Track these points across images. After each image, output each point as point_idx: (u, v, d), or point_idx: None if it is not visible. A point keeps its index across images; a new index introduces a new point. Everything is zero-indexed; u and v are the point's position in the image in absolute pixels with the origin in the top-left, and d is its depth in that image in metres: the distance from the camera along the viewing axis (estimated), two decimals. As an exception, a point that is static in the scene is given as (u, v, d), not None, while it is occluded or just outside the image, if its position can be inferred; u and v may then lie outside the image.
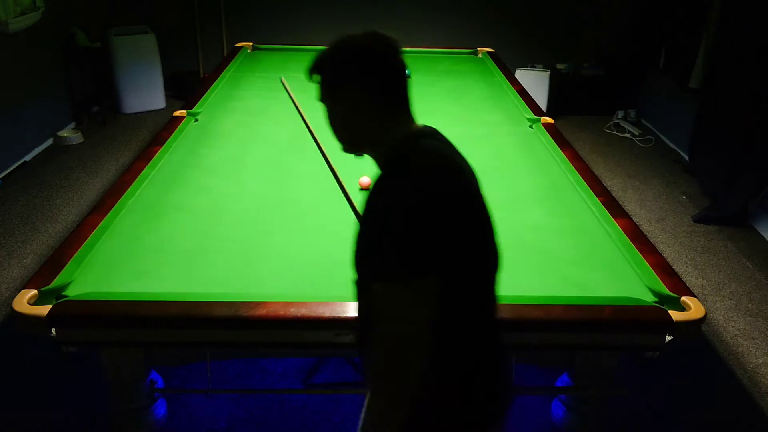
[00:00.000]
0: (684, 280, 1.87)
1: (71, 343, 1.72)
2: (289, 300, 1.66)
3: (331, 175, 2.34)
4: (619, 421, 2.36)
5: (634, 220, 2.29)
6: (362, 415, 1.23)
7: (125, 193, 2.27)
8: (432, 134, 1.26)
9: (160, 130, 2.94)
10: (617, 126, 5.71)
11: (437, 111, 3.38)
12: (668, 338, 1.69)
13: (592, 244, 2.10)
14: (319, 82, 1.22)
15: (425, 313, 1.05)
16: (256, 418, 2.39)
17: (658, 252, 2.00)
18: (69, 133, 5.04)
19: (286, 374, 2.59)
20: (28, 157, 4.66)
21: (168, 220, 2.17)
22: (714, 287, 3.38)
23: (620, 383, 1.99)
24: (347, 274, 1.88)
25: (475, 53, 4.56)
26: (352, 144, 1.25)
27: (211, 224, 2.16)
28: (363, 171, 2.49)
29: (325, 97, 1.22)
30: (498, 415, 1.28)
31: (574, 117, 5.87)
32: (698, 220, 4.07)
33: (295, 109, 2.99)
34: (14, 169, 4.46)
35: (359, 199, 2.35)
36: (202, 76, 5.86)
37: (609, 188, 3.26)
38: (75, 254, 1.88)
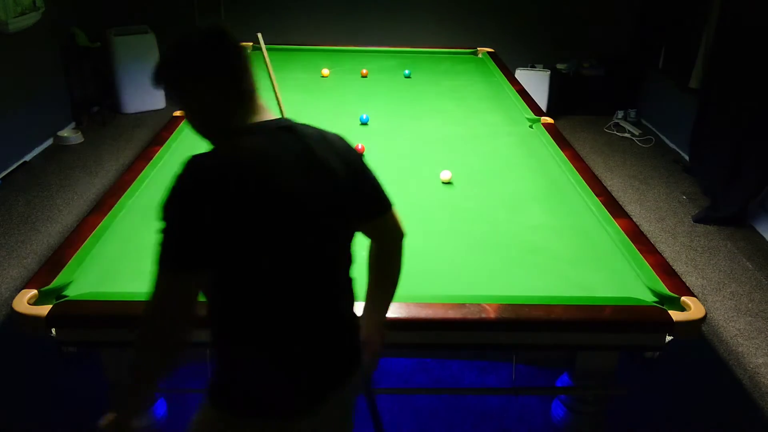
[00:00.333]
0: (684, 280, 1.87)
1: (71, 343, 1.72)
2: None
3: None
4: (619, 421, 2.36)
5: (634, 220, 2.30)
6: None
7: (125, 193, 2.27)
8: (268, 128, 1.23)
9: (160, 130, 2.94)
10: (617, 126, 5.71)
11: (437, 111, 3.38)
12: (668, 338, 1.70)
13: (592, 244, 2.10)
14: (163, 88, 1.24)
15: (173, 303, 1.16)
16: (256, 418, 2.38)
17: (658, 252, 2.00)
18: (69, 133, 5.04)
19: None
20: (28, 157, 4.67)
21: (168, 220, 2.16)
22: (714, 287, 3.38)
23: (620, 383, 1.99)
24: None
25: (475, 53, 4.56)
26: (205, 137, 1.27)
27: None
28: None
29: (172, 98, 1.25)
30: (305, 397, 1.30)
31: (574, 117, 5.87)
32: (698, 220, 4.08)
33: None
34: (14, 169, 4.46)
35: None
36: (202, 76, 5.85)
37: (609, 188, 3.26)
38: (75, 254, 1.88)
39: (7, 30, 4.29)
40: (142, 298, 1.66)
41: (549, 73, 5.67)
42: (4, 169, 4.38)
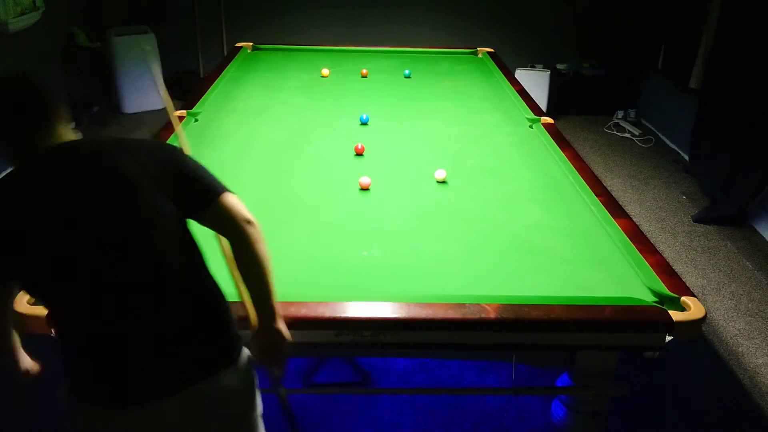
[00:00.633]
0: (684, 280, 1.87)
1: (71, 343, 1.72)
2: (289, 300, 1.66)
3: (330, 176, 2.34)
4: (619, 421, 2.36)
5: (634, 220, 2.30)
6: None
7: (125, 193, 2.26)
8: (59, 151, 1.37)
9: (160, 130, 2.94)
10: (617, 126, 5.71)
11: (437, 111, 3.38)
12: (668, 338, 1.69)
13: (592, 244, 2.10)
14: None
15: None
16: (256, 418, 2.39)
17: (658, 252, 2.00)
18: (69, 133, 5.04)
19: (286, 374, 2.59)
20: (28, 157, 4.66)
21: (168, 220, 2.16)
22: (714, 287, 3.38)
23: (620, 383, 1.99)
24: (347, 274, 1.89)
25: (475, 53, 4.56)
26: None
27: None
28: (363, 171, 2.50)
29: None
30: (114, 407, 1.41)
31: (574, 117, 5.87)
32: (698, 220, 4.08)
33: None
34: (14, 169, 4.46)
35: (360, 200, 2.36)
36: (202, 76, 5.86)
37: (609, 188, 3.25)
38: (75, 254, 1.87)
39: (7, 30, 4.28)
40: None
41: (549, 73, 5.67)
42: (4, 170, 4.38)
